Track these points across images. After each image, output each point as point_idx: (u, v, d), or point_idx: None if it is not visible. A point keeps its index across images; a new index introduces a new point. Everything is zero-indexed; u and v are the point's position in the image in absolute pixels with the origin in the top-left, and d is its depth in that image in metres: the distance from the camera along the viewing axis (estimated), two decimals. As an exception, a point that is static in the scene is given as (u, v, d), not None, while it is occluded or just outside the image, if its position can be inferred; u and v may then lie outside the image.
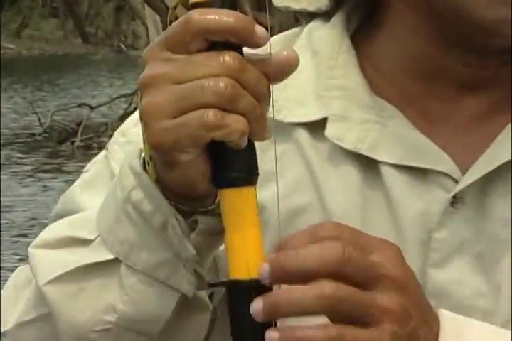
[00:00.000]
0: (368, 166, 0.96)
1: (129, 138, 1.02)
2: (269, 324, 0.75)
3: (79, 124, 16.20)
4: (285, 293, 0.74)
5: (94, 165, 1.03)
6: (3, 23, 36.77)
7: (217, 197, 0.81)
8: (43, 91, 23.50)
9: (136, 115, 1.00)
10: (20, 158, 15.80)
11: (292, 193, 0.96)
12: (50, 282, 0.87)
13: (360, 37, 1.03)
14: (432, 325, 0.79)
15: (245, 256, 0.77)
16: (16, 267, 1.12)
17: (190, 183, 0.80)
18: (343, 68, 0.99)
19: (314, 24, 1.05)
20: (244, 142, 0.75)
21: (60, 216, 0.99)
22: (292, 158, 0.98)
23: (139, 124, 0.95)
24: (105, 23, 38.75)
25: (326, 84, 0.98)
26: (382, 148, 0.95)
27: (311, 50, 0.99)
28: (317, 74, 0.93)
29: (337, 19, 1.02)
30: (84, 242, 0.88)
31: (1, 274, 8.77)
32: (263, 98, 0.75)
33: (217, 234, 0.82)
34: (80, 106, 17.69)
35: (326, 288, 0.72)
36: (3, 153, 15.67)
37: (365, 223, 0.94)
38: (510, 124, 0.95)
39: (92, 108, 16.87)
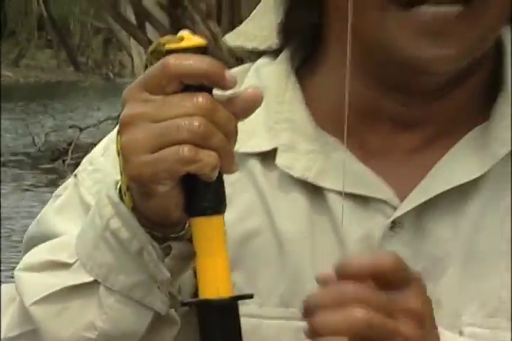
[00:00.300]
0: (315, 193, 0.94)
1: (96, 166, 0.99)
2: (237, 338, 0.75)
3: (70, 144, 16.24)
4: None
5: (66, 191, 1.00)
6: (2, 53, 36.44)
7: (188, 224, 0.80)
8: (38, 115, 23.40)
9: (103, 144, 1.00)
10: (19, 174, 15.63)
11: (245, 218, 0.94)
12: (35, 302, 0.85)
13: (304, 72, 1.01)
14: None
15: (215, 278, 0.76)
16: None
17: (165, 212, 0.79)
18: (289, 103, 0.97)
19: (262, 61, 1.03)
20: (215, 175, 0.74)
21: (35, 238, 0.97)
22: (245, 185, 0.95)
23: (106, 153, 0.97)
24: (95, 54, 38.64)
25: (274, 117, 0.96)
26: (327, 177, 0.93)
27: (261, 85, 0.95)
28: (266, 109, 0.91)
29: (283, 56, 1.01)
30: (65, 266, 0.86)
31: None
32: (232, 135, 0.75)
33: (189, 258, 0.81)
34: (70, 127, 17.71)
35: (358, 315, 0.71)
36: (3, 169, 15.49)
37: (313, 245, 0.93)
38: (443, 157, 0.93)
39: (81, 129, 16.87)
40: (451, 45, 0.88)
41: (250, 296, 0.80)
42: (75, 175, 1.00)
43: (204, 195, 0.76)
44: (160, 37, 0.80)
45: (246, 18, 1.04)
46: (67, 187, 1.00)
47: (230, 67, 0.95)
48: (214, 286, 0.76)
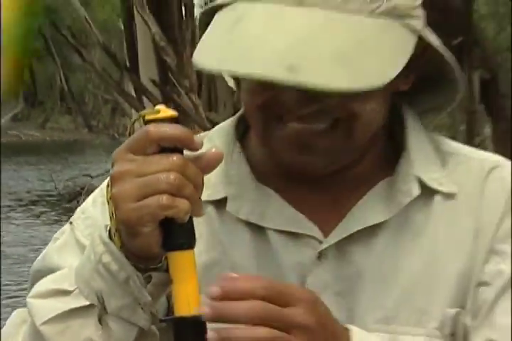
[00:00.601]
0: (259, 231, 0.90)
1: (87, 214, 0.95)
2: None
3: (83, 188, 15.96)
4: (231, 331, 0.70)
5: (63, 235, 0.96)
6: (32, 118, 35.97)
7: (164, 257, 0.78)
8: (60, 165, 23.00)
9: (92, 198, 0.97)
10: (44, 211, 15.16)
11: (205, 251, 0.89)
12: (44, 323, 0.83)
13: (247, 139, 0.97)
14: (339, 336, 0.75)
15: (188, 300, 0.74)
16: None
17: (147, 248, 0.76)
18: (236, 163, 0.93)
19: (217, 130, 0.99)
20: (187, 218, 0.73)
21: (41, 271, 0.94)
22: (203, 227, 0.90)
23: (94, 204, 0.94)
24: (104, 119, 38.20)
25: (225, 173, 0.92)
26: (267, 219, 0.89)
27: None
28: (219, 167, 0.82)
29: (231, 125, 0.96)
30: (66, 292, 0.83)
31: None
32: (200, 186, 0.73)
33: (166, 284, 0.78)
34: (84, 175, 17.47)
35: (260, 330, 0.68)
36: (32, 207, 15.32)
37: (258, 272, 0.89)
38: (356, 205, 0.89)
39: (92, 177, 16.58)
40: (316, 154, 0.85)
41: None
42: (71, 223, 0.96)
43: (179, 234, 0.74)
44: (153, 106, 0.77)
45: (221, 90, 1.00)
46: (63, 232, 0.97)
47: (207, 130, 1.02)
48: (187, 306, 0.75)
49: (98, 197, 0.94)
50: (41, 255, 0.96)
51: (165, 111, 0.73)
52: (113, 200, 0.73)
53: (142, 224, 0.72)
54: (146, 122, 0.73)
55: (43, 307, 0.83)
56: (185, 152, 0.73)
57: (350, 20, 0.75)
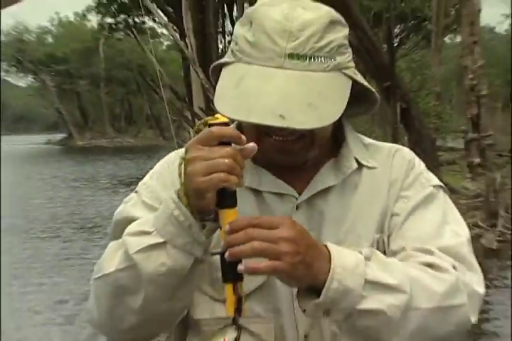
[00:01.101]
0: (257, 193, 1.15)
1: (147, 185, 1.18)
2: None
3: None
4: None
5: (132, 199, 1.16)
6: (129, 131, 52.55)
7: (215, 212, 0.98)
8: (144, 160, 26.78)
9: (149, 175, 1.21)
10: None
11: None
12: (134, 252, 1.01)
13: None
14: (318, 246, 0.96)
15: None
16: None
17: (207, 206, 0.96)
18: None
19: None
20: (235, 188, 0.94)
21: (119, 221, 1.13)
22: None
23: (152, 177, 1.19)
24: (172, 131, 46.21)
25: None
26: (262, 185, 1.15)
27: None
28: None
29: None
30: (147, 233, 1.01)
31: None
32: (243, 167, 0.94)
33: (214, 230, 0.99)
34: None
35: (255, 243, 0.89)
36: (131, 186, 14.46)
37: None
38: (316, 175, 1.15)
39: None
40: (292, 155, 1.11)
41: None
42: (136, 191, 1.18)
43: (228, 198, 0.95)
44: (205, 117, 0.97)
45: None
46: (131, 198, 1.17)
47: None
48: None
49: (153, 174, 1.21)
50: (117, 212, 1.17)
51: (221, 118, 0.96)
52: (187, 175, 0.94)
53: (207, 191, 0.94)
54: (209, 125, 0.95)
55: (133, 242, 1.02)
56: (234, 145, 0.94)
57: (313, 76, 1.04)
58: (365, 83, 1.13)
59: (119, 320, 1.06)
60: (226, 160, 0.92)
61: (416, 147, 8.40)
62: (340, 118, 1.06)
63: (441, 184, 1.23)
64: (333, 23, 1.08)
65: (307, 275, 0.94)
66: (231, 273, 0.92)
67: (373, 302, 0.97)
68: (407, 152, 1.24)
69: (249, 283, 1.03)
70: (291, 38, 1.03)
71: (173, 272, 1.00)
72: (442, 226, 1.15)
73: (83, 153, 36.10)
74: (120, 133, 50.41)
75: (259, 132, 1.08)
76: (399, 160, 1.21)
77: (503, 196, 9.15)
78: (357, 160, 1.19)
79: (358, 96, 1.14)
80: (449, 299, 1.03)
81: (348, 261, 0.97)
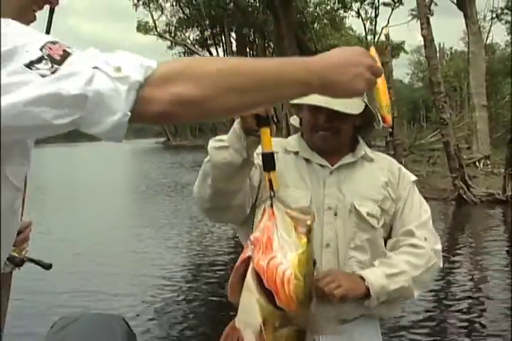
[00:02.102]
0: (309, 163, 1.73)
1: (219, 138, 1.61)
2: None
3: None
4: None
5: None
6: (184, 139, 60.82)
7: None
8: (194, 154, 36.51)
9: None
10: None
11: (286, 171, 1.71)
12: (211, 149, 1.59)
13: (304, 137, 1.84)
14: (356, 277, 1.69)
15: (269, 142, 1.36)
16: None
17: (251, 127, 1.44)
18: (301, 142, 1.82)
19: (293, 135, 1.89)
20: (267, 114, 1.39)
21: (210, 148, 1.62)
22: (288, 163, 1.77)
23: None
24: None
25: (298, 144, 1.83)
26: (313, 159, 1.77)
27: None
28: (296, 141, 1.82)
29: (298, 133, 1.82)
30: (222, 140, 1.58)
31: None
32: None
33: (257, 142, 1.43)
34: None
35: None
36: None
37: (305, 180, 1.75)
38: (343, 157, 1.77)
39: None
40: (328, 143, 1.77)
41: None
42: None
43: (262, 120, 1.36)
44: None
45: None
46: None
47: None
48: (268, 146, 1.34)
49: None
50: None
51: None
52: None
53: (247, 118, 1.42)
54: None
55: (212, 144, 1.59)
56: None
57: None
58: (370, 106, 1.79)
59: (204, 192, 1.67)
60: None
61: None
62: (355, 133, 1.84)
63: (415, 179, 1.97)
64: None
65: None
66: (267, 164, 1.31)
67: (395, 284, 1.75)
68: (395, 161, 1.98)
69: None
70: None
71: (228, 163, 1.55)
72: (420, 208, 1.90)
73: (175, 149, 50.40)
74: (195, 138, 70.40)
75: (312, 128, 1.77)
76: (394, 165, 1.96)
77: None
78: (365, 153, 1.91)
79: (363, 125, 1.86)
80: (427, 264, 1.82)
81: (376, 284, 1.71)
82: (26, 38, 0.94)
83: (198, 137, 77.35)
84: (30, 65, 0.91)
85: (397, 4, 33.28)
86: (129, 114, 0.91)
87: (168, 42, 38.34)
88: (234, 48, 34.29)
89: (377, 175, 1.88)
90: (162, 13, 35.54)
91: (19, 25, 0.98)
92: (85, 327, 1.65)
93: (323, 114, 1.73)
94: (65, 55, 0.93)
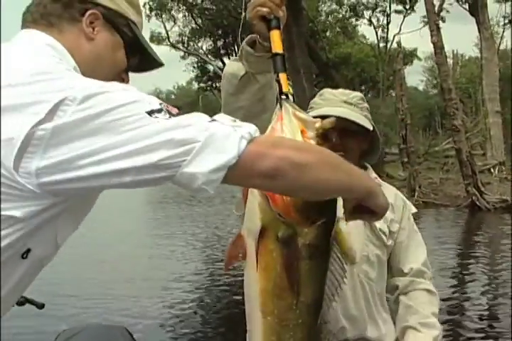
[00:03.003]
0: None
1: None
2: None
3: None
4: None
5: None
6: None
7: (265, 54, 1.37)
8: None
9: None
10: None
11: None
12: (228, 63, 1.58)
13: None
14: None
15: (278, 43, 1.30)
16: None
17: (258, 31, 1.39)
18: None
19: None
20: (272, 15, 1.33)
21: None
22: None
23: None
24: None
25: None
26: None
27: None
28: None
29: None
30: (237, 59, 1.54)
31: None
32: (278, 3, 1.32)
33: (269, 49, 1.33)
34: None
35: None
36: None
37: None
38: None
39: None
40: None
41: None
42: None
43: (270, 21, 1.32)
44: None
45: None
46: None
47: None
48: (278, 47, 1.30)
49: None
50: None
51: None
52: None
53: (252, 20, 1.36)
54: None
55: (230, 60, 1.59)
56: None
57: (354, 113, 1.79)
58: (377, 131, 1.83)
59: (224, 102, 1.63)
60: None
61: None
62: (361, 159, 1.82)
63: (415, 211, 1.98)
64: (363, 98, 1.90)
65: None
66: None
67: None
68: (400, 194, 1.97)
69: None
70: (345, 96, 1.85)
71: (233, 75, 1.55)
72: (421, 245, 1.96)
73: None
74: None
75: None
76: (398, 195, 1.98)
77: (418, 179, 16.96)
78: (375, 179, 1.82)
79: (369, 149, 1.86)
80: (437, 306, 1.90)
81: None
82: (145, 97, 1.03)
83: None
84: (151, 113, 0.99)
85: (408, 11, 33.70)
86: (238, 157, 0.97)
87: (181, 53, 38.72)
88: (246, 57, 34.41)
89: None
90: (175, 23, 35.88)
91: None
92: (89, 338, 1.68)
93: (335, 131, 1.73)
94: (180, 113, 1.02)
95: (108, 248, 9.20)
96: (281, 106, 1.17)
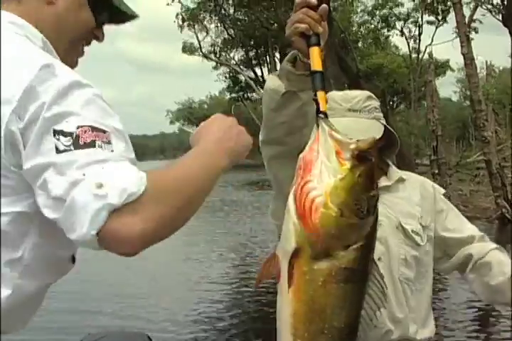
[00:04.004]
0: None
1: None
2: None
3: None
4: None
5: None
6: None
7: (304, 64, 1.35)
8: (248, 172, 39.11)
9: None
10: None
11: None
12: (269, 78, 1.57)
13: None
14: None
15: (317, 60, 1.27)
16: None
17: (297, 47, 1.35)
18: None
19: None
20: (312, 32, 1.29)
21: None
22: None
23: None
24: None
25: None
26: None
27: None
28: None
29: None
30: (280, 89, 1.52)
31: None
32: (317, 20, 1.29)
33: (308, 66, 1.28)
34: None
35: None
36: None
37: None
38: (381, 178, 1.80)
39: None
40: None
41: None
42: None
43: (309, 38, 1.30)
44: None
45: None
46: None
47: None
48: (317, 64, 1.26)
49: None
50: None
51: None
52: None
53: (290, 36, 1.33)
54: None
55: (270, 84, 1.56)
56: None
57: (363, 120, 1.79)
58: (389, 127, 1.81)
59: (262, 124, 1.66)
60: (300, 15, 1.28)
61: (403, 165, 13.37)
62: (380, 155, 1.76)
63: (444, 192, 2.04)
64: (369, 97, 1.86)
65: None
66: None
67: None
68: (429, 181, 2.02)
69: None
70: (349, 102, 1.81)
71: (275, 90, 1.53)
72: (463, 217, 2.04)
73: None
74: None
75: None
76: (427, 182, 2.02)
77: (448, 191, 17.22)
78: (399, 175, 1.93)
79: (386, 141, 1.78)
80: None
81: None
82: (92, 115, 1.06)
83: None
84: (56, 133, 1.03)
85: (441, 22, 33.49)
86: (93, 233, 0.98)
87: (213, 63, 39.13)
88: (278, 68, 34.58)
89: (412, 194, 1.93)
90: (207, 34, 36.29)
91: (100, 100, 1.09)
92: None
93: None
94: (89, 145, 1.03)
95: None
96: (318, 126, 1.15)
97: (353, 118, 1.81)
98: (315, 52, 1.26)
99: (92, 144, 1.02)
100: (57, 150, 1.01)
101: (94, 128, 1.04)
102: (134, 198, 0.99)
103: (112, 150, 1.04)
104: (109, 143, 1.04)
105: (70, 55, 1.26)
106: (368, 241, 1.11)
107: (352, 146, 1.09)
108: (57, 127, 1.03)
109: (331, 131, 1.12)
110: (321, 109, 1.17)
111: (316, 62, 1.24)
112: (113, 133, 1.06)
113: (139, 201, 0.99)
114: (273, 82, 1.52)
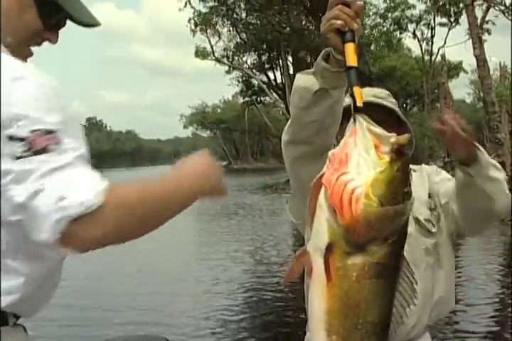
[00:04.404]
0: None
1: None
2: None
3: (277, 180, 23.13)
4: None
5: None
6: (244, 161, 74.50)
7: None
8: (267, 176, 38.51)
9: None
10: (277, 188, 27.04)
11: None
12: (298, 76, 1.56)
13: None
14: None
15: (352, 57, 1.25)
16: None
17: (333, 45, 1.35)
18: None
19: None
20: (347, 28, 1.28)
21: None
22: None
23: None
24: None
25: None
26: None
27: None
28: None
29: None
30: (309, 73, 1.52)
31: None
32: (352, 16, 1.29)
33: (343, 63, 1.27)
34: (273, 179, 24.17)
35: None
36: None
37: None
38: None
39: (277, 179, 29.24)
40: None
41: None
42: None
43: (344, 34, 1.29)
44: None
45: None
46: None
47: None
48: (352, 60, 1.25)
49: None
50: None
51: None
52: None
53: (326, 33, 1.32)
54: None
55: (300, 87, 1.55)
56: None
57: (393, 107, 1.90)
58: (409, 125, 1.89)
59: (288, 124, 1.67)
60: (336, 12, 1.28)
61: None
62: None
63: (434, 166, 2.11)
64: (390, 94, 1.99)
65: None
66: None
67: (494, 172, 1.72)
68: (427, 166, 2.06)
69: None
70: (373, 92, 1.93)
71: (306, 89, 1.53)
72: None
73: (237, 172, 55.58)
74: (256, 161, 76.91)
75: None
76: (427, 169, 2.05)
77: None
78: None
79: None
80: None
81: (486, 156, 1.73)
82: (39, 114, 1.06)
83: (259, 160, 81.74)
84: (10, 138, 1.04)
85: (453, 24, 33.38)
86: (54, 239, 1.02)
87: (226, 67, 39.21)
88: (291, 71, 34.73)
89: (422, 182, 1.95)
90: (219, 38, 36.39)
91: (54, 97, 1.10)
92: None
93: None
94: (43, 151, 1.04)
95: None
96: (355, 121, 1.15)
97: (379, 100, 1.90)
98: (350, 48, 1.27)
99: (45, 150, 1.04)
100: (14, 157, 1.03)
101: (44, 131, 1.05)
102: (93, 209, 1.03)
103: (65, 150, 1.06)
104: (59, 143, 1.06)
105: (17, 55, 1.21)
106: (400, 236, 1.11)
107: (392, 140, 1.09)
108: (10, 132, 1.04)
109: (369, 126, 1.12)
110: (358, 104, 1.17)
111: (351, 58, 1.25)
112: (59, 131, 1.07)
113: (98, 210, 1.03)
114: (304, 80, 1.53)
